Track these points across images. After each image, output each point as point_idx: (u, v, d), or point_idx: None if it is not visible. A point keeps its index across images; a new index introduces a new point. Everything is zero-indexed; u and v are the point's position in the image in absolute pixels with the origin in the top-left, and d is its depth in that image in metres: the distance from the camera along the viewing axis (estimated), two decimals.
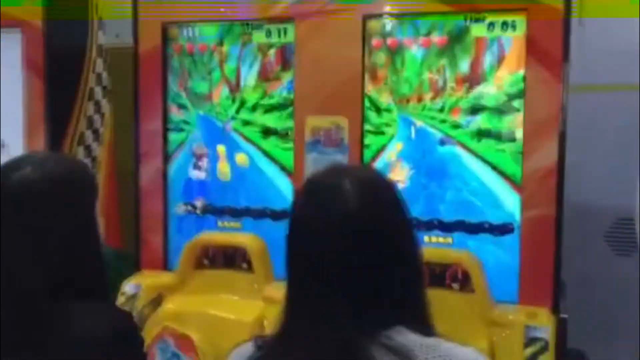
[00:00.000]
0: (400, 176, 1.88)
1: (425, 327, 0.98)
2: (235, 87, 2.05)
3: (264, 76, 2.02)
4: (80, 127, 2.41)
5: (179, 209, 2.13)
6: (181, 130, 2.12)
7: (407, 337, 0.95)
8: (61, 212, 1.14)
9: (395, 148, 1.91)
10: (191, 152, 2.12)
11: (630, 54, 1.98)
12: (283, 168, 1.99)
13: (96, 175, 2.46)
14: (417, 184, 1.88)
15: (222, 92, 2.07)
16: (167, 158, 2.12)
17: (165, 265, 2.13)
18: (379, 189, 1.02)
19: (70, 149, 2.36)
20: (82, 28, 2.43)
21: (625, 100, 1.84)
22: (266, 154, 2.02)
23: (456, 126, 1.84)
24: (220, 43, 2.05)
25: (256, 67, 2.02)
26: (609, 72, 2.03)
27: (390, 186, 1.05)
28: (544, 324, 1.66)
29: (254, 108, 2.03)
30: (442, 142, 1.85)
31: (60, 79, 2.31)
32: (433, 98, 1.85)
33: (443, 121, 1.85)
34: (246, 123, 2.04)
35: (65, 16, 2.31)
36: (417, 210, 1.82)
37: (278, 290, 1.85)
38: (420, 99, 1.87)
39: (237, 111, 2.05)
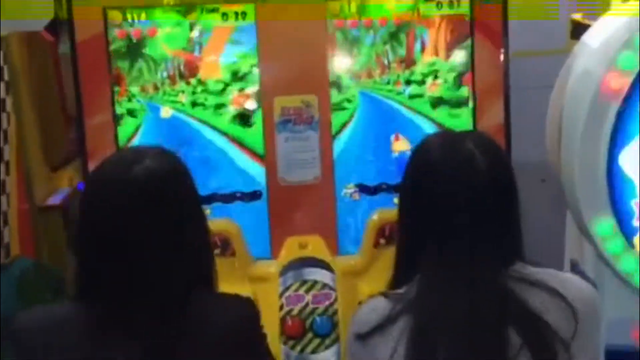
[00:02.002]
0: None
1: (531, 261, 1.17)
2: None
3: None
4: None
5: None
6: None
7: (530, 269, 1.13)
8: (188, 200, 1.12)
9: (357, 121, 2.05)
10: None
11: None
12: (253, 153, 2.01)
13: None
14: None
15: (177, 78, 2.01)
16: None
17: None
18: (500, 151, 1.19)
19: None
20: None
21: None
22: (234, 139, 2.02)
23: (413, 96, 2.03)
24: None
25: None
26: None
27: (501, 149, 1.21)
28: None
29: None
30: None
31: None
32: (390, 72, 2.02)
33: (399, 93, 2.03)
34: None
35: None
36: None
37: (262, 269, 1.95)
38: (378, 74, 2.02)
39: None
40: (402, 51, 2.02)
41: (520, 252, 1.17)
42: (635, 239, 1.87)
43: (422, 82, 2.03)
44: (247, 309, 1.18)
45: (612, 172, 1.83)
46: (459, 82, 2.03)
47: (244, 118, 2.00)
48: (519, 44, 2.19)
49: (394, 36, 2.01)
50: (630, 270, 1.91)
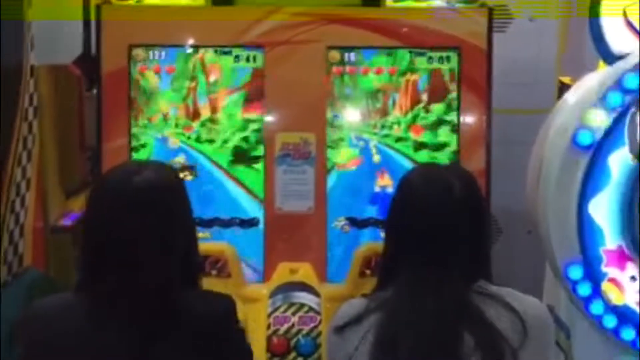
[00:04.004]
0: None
1: (492, 280, 1.31)
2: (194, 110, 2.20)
3: None
4: (19, 148, 2.36)
5: None
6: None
7: (491, 287, 1.28)
8: (177, 208, 1.29)
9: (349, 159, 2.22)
10: None
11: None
12: (250, 192, 2.19)
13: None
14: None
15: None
16: None
17: None
18: (475, 183, 1.36)
19: (12, 170, 2.30)
20: (15, 48, 2.39)
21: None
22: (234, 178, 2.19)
23: (399, 139, 2.21)
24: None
25: None
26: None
27: (476, 181, 1.38)
28: None
29: None
30: None
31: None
32: (381, 117, 2.21)
33: (386, 136, 2.21)
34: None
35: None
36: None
37: (254, 291, 2.09)
38: (370, 118, 2.21)
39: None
40: (395, 98, 2.20)
41: (485, 272, 1.33)
42: (604, 284, 2.00)
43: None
44: (226, 303, 1.33)
45: (583, 220, 1.98)
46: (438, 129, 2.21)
47: (244, 156, 2.19)
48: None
49: (388, 85, 2.20)
50: (598, 313, 2.03)
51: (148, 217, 1.24)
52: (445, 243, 1.27)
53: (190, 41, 2.18)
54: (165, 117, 2.19)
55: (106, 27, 2.15)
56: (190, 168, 2.17)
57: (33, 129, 2.47)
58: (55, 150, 2.71)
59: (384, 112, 2.21)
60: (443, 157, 2.20)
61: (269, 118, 2.17)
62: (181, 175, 2.16)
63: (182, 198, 1.32)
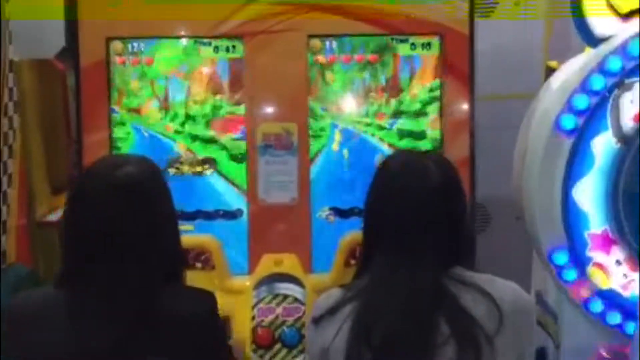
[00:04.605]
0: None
1: (473, 267, 1.30)
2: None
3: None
4: None
5: None
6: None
7: (467, 273, 1.27)
8: (159, 202, 1.28)
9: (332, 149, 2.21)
10: None
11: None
12: (233, 183, 2.17)
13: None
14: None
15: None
16: None
17: None
18: (452, 169, 1.35)
19: None
20: None
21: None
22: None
23: (382, 128, 2.19)
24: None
25: None
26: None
27: (454, 167, 1.36)
28: None
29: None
30: None
31: None
32: (363, 105, 2.19)
33: (369, 124, 2.20)
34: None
35: None
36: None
37: (238, 283, 2.08)
38: (352, 107, 2.19)
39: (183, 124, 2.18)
40: (382, 80, 2.18)
41: (463, 258, 1.31)
42: (589, 268, 1.99)
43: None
44: (206, 302, 1.33)
45: (568, 205, 1.97)
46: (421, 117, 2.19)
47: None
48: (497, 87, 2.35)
49: (369, 73, 2.18)
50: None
51: (130, 211, 1.23)
52: (419, 228, 1.26)
53: (169, 33, 2.15)
54: (145, 110, 2.17)
55: (83, 20, 2.12)
56: (176, 161, 2.15)
57: (14, 124, 2.45)
58: (40, 146, 2.69)
59: (367, 101, 2.19)
60: (426, 145, 2.18)
61: (250, 108, 2.15)
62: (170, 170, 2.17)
63: (163, 192, 1.31)
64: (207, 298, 1.32)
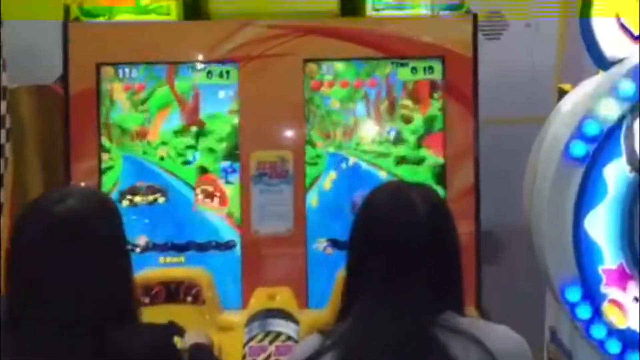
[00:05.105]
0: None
1: (464, 311, 1.19)
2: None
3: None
4: None
5: None
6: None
7: (458, 319, 1.15)
8: (105, 239, 1.19)
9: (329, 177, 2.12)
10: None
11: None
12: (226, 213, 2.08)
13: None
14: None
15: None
16: None
17: None
18: (442, 204, 1.24)
19: None
20: None
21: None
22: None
23: (380, 155, 2.09)
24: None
25: None
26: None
27: (444, 202, 1.26)
28: None
29: None
30: None
31: None
32: (361, 131, 2.10)
33: (366, 152, 2.10)
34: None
35: None
36: None
37: (229, 319, 1.98)
38: (349, 134, 2.10)
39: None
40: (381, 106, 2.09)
41: (454, 303, 1.20)
42: (604, 306, 1.86)
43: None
44: (160, 338, 1.23)
45: (579, 236, 1.85)
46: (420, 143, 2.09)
47: None
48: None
49: (368, 98, 2.09)
50: (600, 337, 1.89)
51: (70, 250, 1.14)
52: (405, 268, 1.15)
53: (161, 58, 2.09)
54: (135, 137, 2.10)
55: (74, 46, 2.07)
56: (161, 190, 2.07)
57: (5, 152, 2.40)
58: (39, 172, 2.65)
59: (365, 127, 2.09)
60: (426, 172, 2.08)
61: (243, 136, 2.07)
62: (151, 197, 2.08)
63: (112, 226, 1.22)
64: (160, 333, 1.23)
